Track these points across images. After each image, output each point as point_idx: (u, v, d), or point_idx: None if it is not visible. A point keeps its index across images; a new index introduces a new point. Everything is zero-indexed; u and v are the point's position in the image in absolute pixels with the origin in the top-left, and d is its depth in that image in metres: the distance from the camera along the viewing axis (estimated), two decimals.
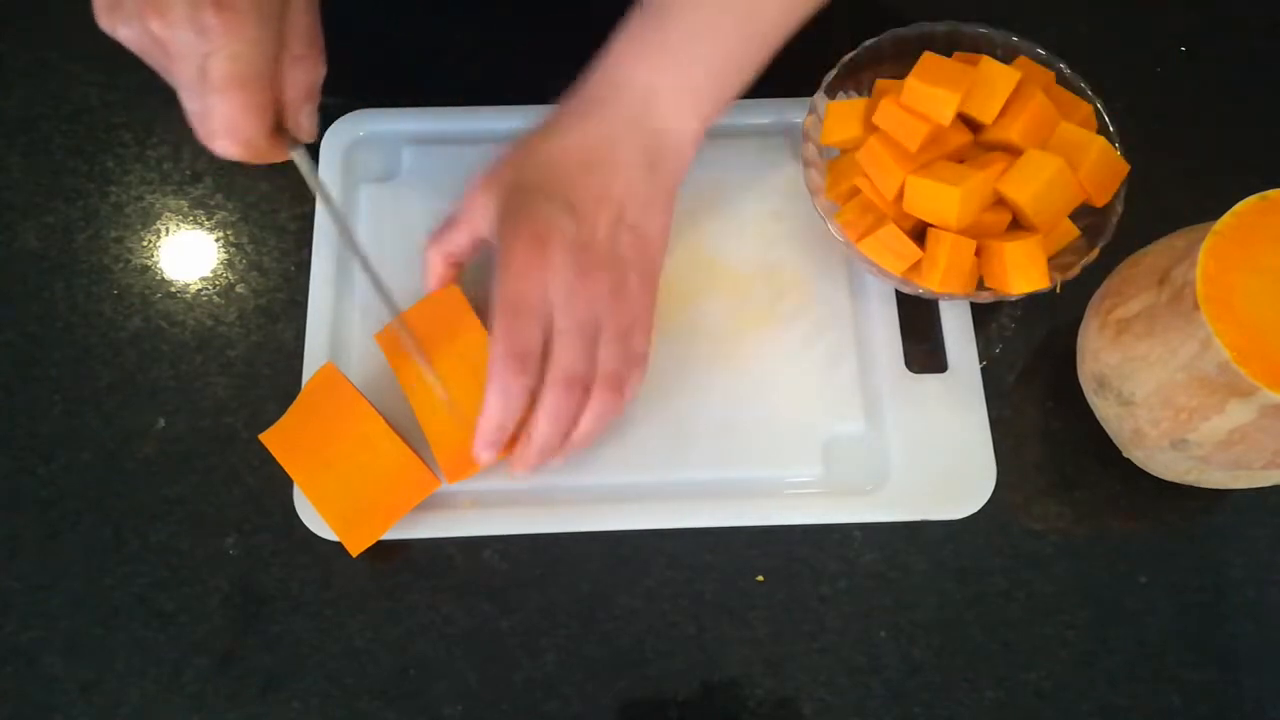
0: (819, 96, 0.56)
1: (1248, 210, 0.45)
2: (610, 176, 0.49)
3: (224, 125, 0.42)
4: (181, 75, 0.42)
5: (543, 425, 0.48)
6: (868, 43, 0.56)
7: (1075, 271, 0.52)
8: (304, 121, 0.45)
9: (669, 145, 0.51)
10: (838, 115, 0.54)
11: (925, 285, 0.52)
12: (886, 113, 0.52)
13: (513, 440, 0.49)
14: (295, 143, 0.45)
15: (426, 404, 0.52)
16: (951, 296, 0.52)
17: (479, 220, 0.51)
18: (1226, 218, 0.45)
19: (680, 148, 0.51)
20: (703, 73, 0.50)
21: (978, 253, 0.52)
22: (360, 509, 0.51)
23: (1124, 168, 0.53)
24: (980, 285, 0.52)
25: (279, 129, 0.44)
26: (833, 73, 0.56)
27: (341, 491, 0.51)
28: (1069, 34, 0.53)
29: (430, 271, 0.53)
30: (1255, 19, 0.66)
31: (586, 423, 0.49)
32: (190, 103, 0.43)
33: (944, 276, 0.51)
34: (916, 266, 0.52)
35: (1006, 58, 0.55)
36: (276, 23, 0.42)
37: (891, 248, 0.51)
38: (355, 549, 0.51)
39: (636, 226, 0.50)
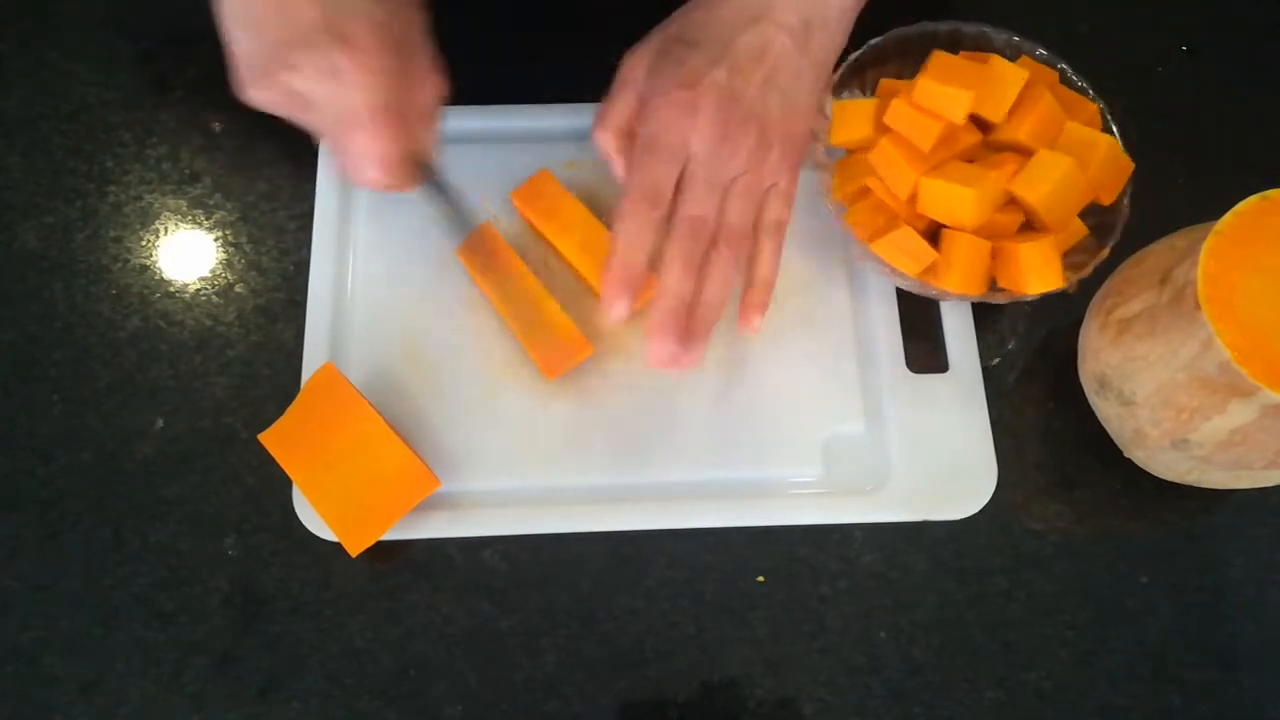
0: (824, 96, 0.56)
1: (1249, 210, 0.45)
2: (766, 37, 0.48)
3: (367, 156, 0.45)
4: (323, 121, 0.45)
5: (672, 271, 0.46)
6: (873, 42, 0.56)
7: (1088, 271, 0.52)
8: (426, 140, 0.47)
9: (822, 17, 0.50)
10: (845, 116, 0.54)
11: (941, 287, 0.51)
12: (898, 112, 0.52)
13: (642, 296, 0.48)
14: (423, 163, 0.48)
15: (514, 308, 0.53)
16: (966, 298, 0.52)
17: (640, 80, 0.49)
18: (1227, 218, 0.45)
19: (830, 22, 0.50)
20: None
21: (991, 254, 0.52)
22: (360, 509, 0.51)
23: (1129, 166, 0.53)
24: (993, 286, 0.52)
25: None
26: (839, 72, 0.55)
27: (341, 491, 0.51)
28: (1070, 33, 0.53)
29: (607, 153, 0.51)
30: (1256, 18, 0.66)
31: (715, 280, 0.47)
32: (334, 146, 0.46)
33: (960, 278, 0.51)
34: (931, 268, 0.52)
35: (1009, 57, 0.55)
36: (397, 51, 0.45)
37: (906, 249, 0.51)
38: (355, 549, 0.50)
39: (787, 92, 0.49)
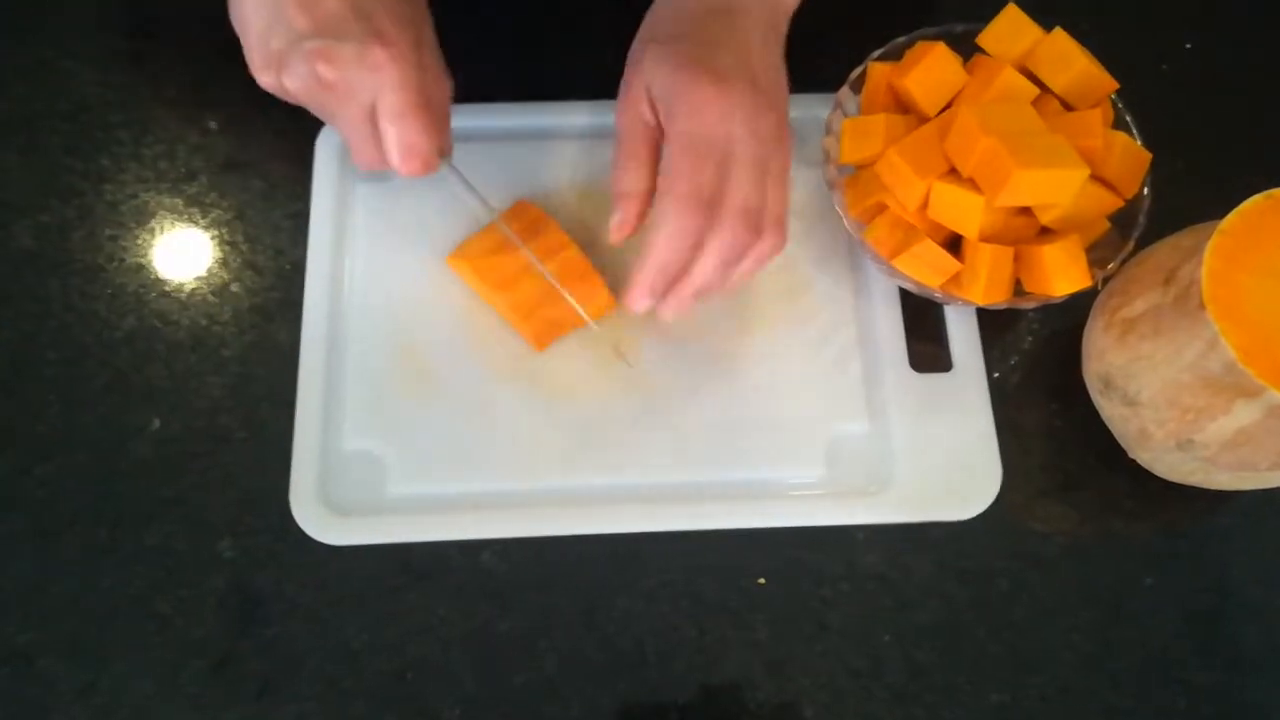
0: (844, 91, 0.56)
1: (1253, 209, 0.45)
2: (748, 31, 0.49)
3: (404, 149, 0.47)
4: (349, 113, 0.47)
5: (711, 262, 0.46)
6: (899, 40, 0.56)
7: (1113, 266, 0.52)
8: (448, 133, 0.50)
9: (781, 14, 0.51)
10: (855, 133, 0.54)
11: (966, 297, 0.51)
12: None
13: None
14: (443, 154, 0.50)
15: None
16: (994, 305, 0.52)
17: (649, 78, 0.49)
18: (1232, 216, 0.45)
19: (783, 17, 0.52)
20: None
21: (1014, 257, 0.51)
22: (544, 312, 0.54)
23: (1146, 156, 0.53)
24: (1018, 290, 0.52)
25: None
26: (859, 70, 0.55)
27: (526, 300, 0.54)
28: (1074, 31, 0.53)
29: (627, 139, 0.50)
30: (1261, 16, 0.66)
31: (750, 263, 0.48)
32: (355, 136, 0.48)
33: (986, 288, 0.50)
34: (955, 278, 0.52)
35: None
36: (419, 45, 0.47)
37: (928, 262, 0.51)
38: (540, 344, 0.54)
39: (777, 80, 0.50)
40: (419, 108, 0.46)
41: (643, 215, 0.50)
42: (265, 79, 0.47)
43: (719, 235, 0.46)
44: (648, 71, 0.48)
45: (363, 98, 0.46)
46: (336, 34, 0.45)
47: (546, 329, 0.55)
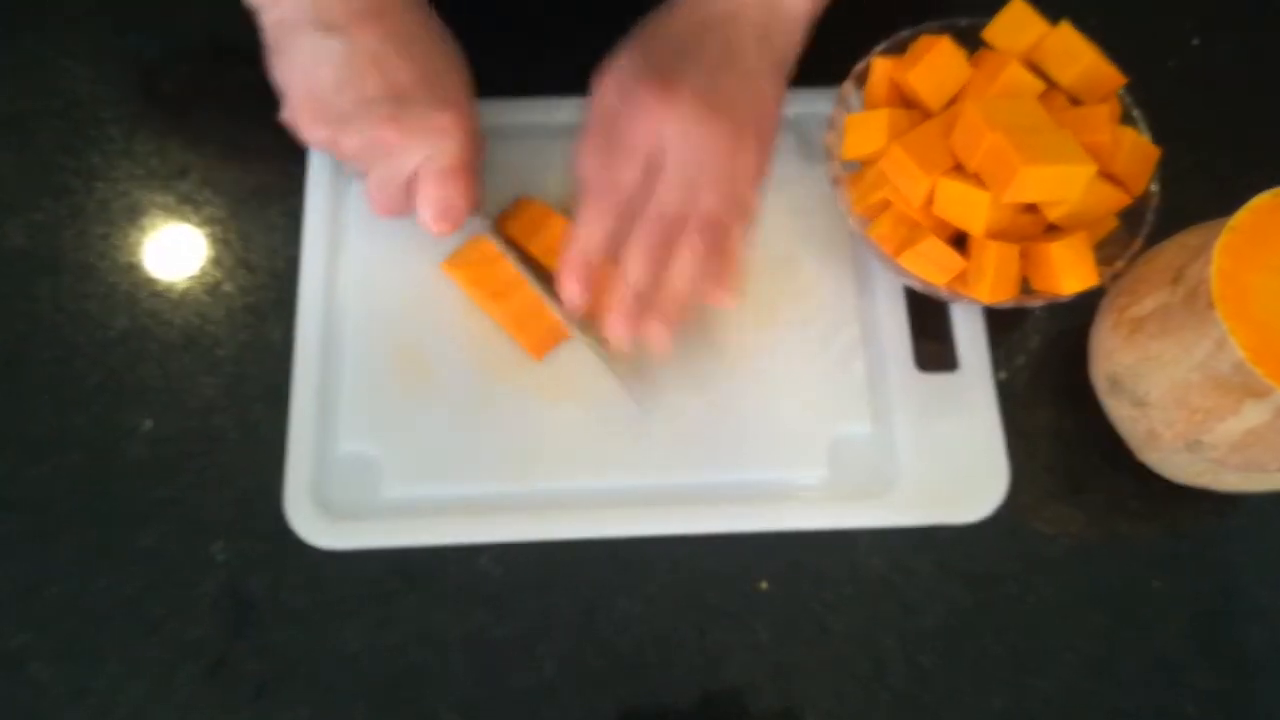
0: (847, 86, 0.55)
1: (1262, 206, 0.45)
2: (732, 41, 0.50)
3: (443, 209, 0.50)
4: (395, 172, 0.49)
5: (634, 263, 0.48)
6: (879, 47, 0.55)
7: (1121, 264, 0.51)
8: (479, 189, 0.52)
9: (781, 19, 0.51)
10: (858, 128, 0.53)
11: (973, 295, 0.51)
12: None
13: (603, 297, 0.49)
14: (474, 210, 0.52)
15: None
16: (1000, 304, 0.51)
17: (611, 105, 0.50)
18: (1241, 214, 0.45)
19: (789, 24, 0.51)
20: None
21: (1021, 255, 0.51)
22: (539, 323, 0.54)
23: (1155, 153, 0.52)
24: (1025, 288, 0.51)
25: None
26: (862, 64, 0.55)
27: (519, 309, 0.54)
28: (1081, 25, 0.52)
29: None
30: (1269, 11, 0.65)
31: (685, 266, 0.48)
32: (387, 191, 0.50)
33: (993, 286, 0.50)
34: (960, 276, 0.51)
35: None
36: (472, 109, 0.50)
37: (934, 260, 0.51)
38: (538, 353, 0.54)
39: (758, 89, 0.50)
40: (467, 171, 0.49)
41: None
42: (318, 134, 0.49)
43: (637, 231, 0.48)
44: (614, 74, 0.50)
45: (415, 158, 0.48)
46: (406, 99, 0.47)
47: (546, 336, 0.54)
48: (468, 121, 0.49)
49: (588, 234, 0.48)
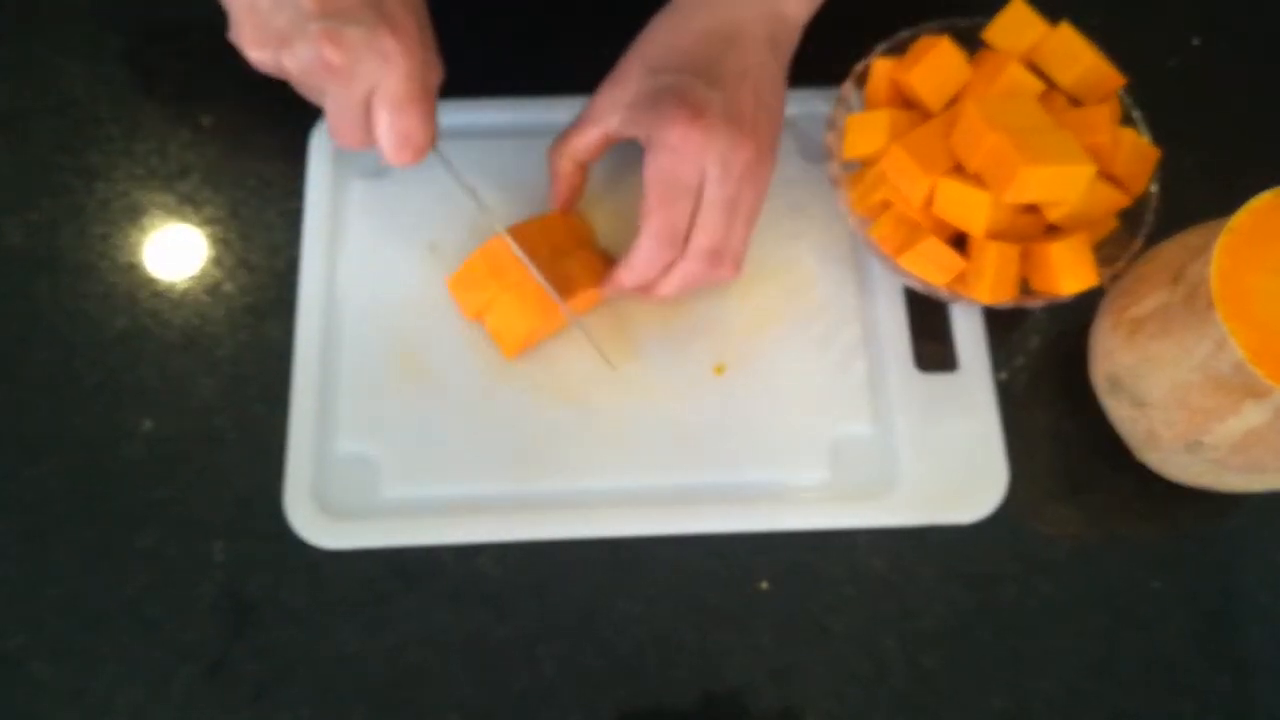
0: (847, 87, 0.55)
1: (1262, 206, 0.45)
2: (744, 54, 0.50)
3: (403, 137, 0.47)
4: (345, 96, 0.46)
5: (675, 284, 0.51)
6: (903, 34, 0.55)
7: (1121, 265, 0.51)
8: (436, 120, 0.49)
9: (786, 27, 0.52)
10: (859, 129, 0.53)
11: (972, 296, 0.51)
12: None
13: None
14: (433, 143, 0.49)
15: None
16: (1000, 304, 0.51)
17: (609, 117, 0.51)
18: (1241, 214, 0.45)
19: (792, 31, 0.52)
20: None
21: (1021, 255, 0.51)
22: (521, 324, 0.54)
23: (1154, 153, 0.52)
24: (1025, 289, 0.51)
25: None
26: (862, 64, 0.55)
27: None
28: (1081, 25, 0.52)
29: (558, 177, 0.54)
30: (1269, 10, 0.65)
31: (705, 284, 0.52)
32: (344, 119, 0.47)
33: (993, 286, 0.50)
34: (960, 276, 0.51)
35: None
36: (423, 33, 0.47)
37: (934, 260, 0.51)
38: (511, 353, 0.54)
39: (769, 104, 0.51)
40: (420, 98, 0.47)
41: (573, 191, 0.55)
42: (259, 55, 0.46)
43: (683, 266, 0.50)
44: (632, 95, 0.50)
45: (364, 83, 0.46)
46: (344, 17, 0.44)
47: (524, 338, 0.54)
48: (417, 46, 0.46)
49: (642, 274, 0.51)
